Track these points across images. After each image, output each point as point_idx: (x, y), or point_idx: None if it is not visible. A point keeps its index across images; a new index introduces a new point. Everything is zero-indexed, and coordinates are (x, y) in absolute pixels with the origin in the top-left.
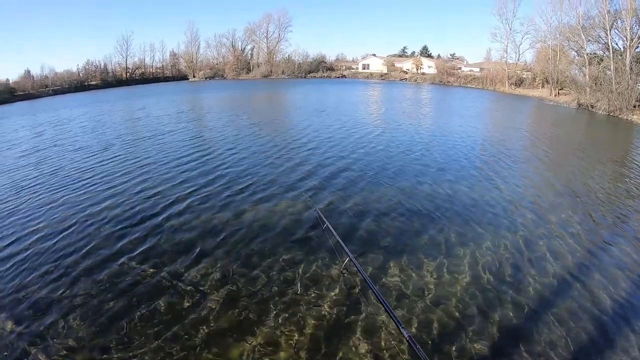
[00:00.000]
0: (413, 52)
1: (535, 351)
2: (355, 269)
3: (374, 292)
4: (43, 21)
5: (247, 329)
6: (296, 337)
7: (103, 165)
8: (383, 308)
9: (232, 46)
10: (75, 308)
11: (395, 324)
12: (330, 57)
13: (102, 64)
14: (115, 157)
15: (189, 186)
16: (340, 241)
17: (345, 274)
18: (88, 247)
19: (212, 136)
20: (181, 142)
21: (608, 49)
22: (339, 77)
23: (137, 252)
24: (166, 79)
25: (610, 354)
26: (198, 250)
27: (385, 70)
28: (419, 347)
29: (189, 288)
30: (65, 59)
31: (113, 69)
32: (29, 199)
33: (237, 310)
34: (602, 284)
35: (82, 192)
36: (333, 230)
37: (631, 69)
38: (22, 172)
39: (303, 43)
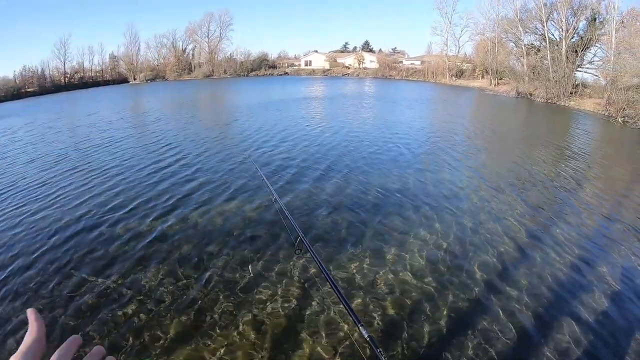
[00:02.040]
0: (355, 48)
1: (484, 330)
2: (311, 257)
3: (332, 286)
4: None
5: (202, 332)
6: (251, 336)
7: (59, 176)
8: (342, 304)
9: (173, 47)
10: (24, 323)
11: (354, 322)
12: (273, 54)
13: (40, 70)
14: (72, 168)
15: (148, 193)
16: (292, 219)
17: (299, 254)
18: (42, 259)
19: (166, 140)
20: (137, 149)
21: (545, 40)
22: (281, 75)
23: (89, 262)
24: (106, 83)
25: (556, 327)
26: (150, 257)
27: (327, 66)
28: (380, 350)
29: (142, 297)
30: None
31: (51, 74)
32: None
33: (191, 314)
34: (545, 262)
35: (37, 206)
36: (286, 210)
37: (567, 58)
38: None
39: (245, 42)
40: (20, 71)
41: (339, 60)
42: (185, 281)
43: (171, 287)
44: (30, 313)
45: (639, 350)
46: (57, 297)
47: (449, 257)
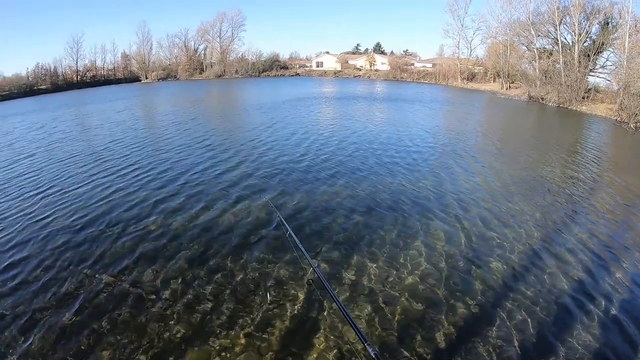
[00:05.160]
0: (366, 49)
1: (502, 336)
2: (319, 279)
3: (338, 305)
4: None
5: (208, 335)
6: (256, 348)
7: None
8: (347, 321)
9: (185, 46)
10: (34, 323)
11: (361, 340)
12: (284, 55)
13: (52, 67)
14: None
15: (159, 190)
16: (304, 251)
17: (310, 284)
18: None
19: (186, 142)
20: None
21: (557, 44)
22: (293, 76)
23: (99, 261)
24: (118, 81)
25: (569, 332)
26: (160, 256)
27: (339, 68)
28: None
29: (150, 296)
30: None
31: (63, 72)
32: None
33: (198, 316)
34: (559, 268)
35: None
36: (296, 239)
37: (579, 62)
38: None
39: (257, 42)
40: (33, 69)
41: (351, 62)
42: (194, 290)
43: (173, 287)
44: None
45: None
46: (61, 294)
47: (460, 265)
